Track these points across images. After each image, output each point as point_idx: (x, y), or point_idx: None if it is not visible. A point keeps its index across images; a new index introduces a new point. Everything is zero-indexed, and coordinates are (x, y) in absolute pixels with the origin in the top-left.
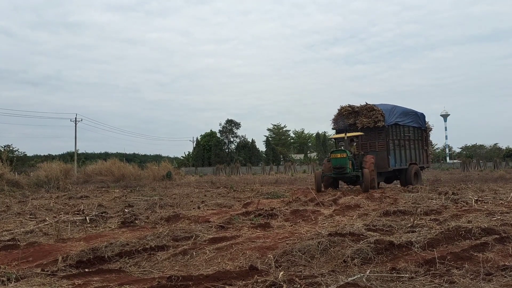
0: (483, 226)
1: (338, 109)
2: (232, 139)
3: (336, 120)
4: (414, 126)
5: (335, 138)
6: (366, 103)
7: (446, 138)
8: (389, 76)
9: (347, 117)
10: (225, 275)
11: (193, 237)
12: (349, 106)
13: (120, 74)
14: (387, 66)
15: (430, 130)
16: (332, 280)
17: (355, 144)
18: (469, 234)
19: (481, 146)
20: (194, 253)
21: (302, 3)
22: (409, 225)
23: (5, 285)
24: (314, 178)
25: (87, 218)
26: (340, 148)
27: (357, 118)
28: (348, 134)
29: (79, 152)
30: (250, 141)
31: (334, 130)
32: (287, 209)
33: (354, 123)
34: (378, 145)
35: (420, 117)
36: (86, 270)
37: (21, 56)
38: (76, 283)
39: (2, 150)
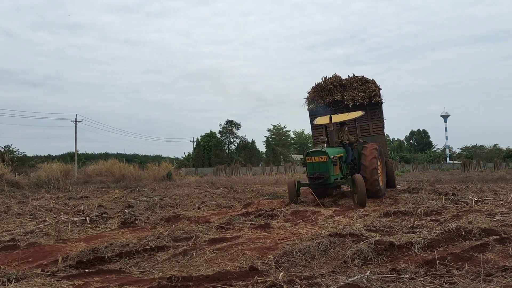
0: (483, 227)
1: (318, 83)
2: (232, 140)
3: (314, 97)
4: None
5: (318, 125)
6: (354, 75)
7: (446, 139)
8: (389, 77)
9: (331, 92)
10: (225, 275)
11: (193, 238)
12: (336, 76)
13: (120, 75)
14: (387, 66)
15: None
16: (332, 281)
17: (346, 129)
18: (469, 235)
19: (481, 147)
20: (194, 253)
21: (302, 4)
22: (409, 225)
23: (5, 285)
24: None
25: (87, 218)
26: (320, 148)
27: (344, 93)
28: (350, 115)
29: (79, 152)
30: (250, 141)
31: (309, 112)
32: (287, 210)
33: (341, 99)
34: (373, 127)
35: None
36: (86, 270)
37: (22, 56)
38: (76, 284)
39: (3, 150)
